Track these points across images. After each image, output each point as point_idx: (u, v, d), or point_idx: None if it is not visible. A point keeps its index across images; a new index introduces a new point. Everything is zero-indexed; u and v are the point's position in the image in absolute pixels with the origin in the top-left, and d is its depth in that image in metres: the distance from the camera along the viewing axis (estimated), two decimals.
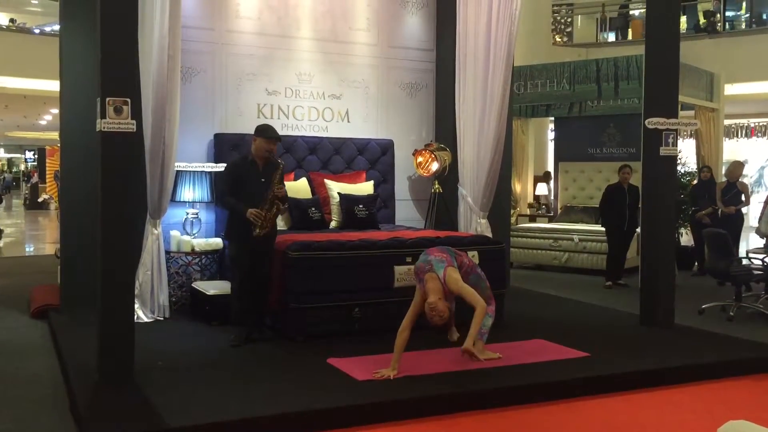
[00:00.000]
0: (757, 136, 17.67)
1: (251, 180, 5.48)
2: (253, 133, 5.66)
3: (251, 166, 5.57)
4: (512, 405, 4.41)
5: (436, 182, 7.97)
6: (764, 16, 15.37)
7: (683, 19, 14.45)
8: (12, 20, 16.21)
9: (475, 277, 5.02)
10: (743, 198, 9.44)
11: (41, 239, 14.89)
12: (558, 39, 16.35)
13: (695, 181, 11.07)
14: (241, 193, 5.48)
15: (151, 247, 6.24)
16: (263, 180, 5.48)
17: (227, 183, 5.63)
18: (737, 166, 9.55)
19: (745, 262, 7.75)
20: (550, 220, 12.34)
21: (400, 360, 4.67)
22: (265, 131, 5.59)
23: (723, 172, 10.80)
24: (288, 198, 5.78)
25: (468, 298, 4.71)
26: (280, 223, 6.90)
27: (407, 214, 8.23)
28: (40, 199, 25.54)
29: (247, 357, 5.19)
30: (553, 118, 13.38)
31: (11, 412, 4.32)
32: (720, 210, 9.49)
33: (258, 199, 5.41)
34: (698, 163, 10.95)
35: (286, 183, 6.76)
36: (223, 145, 7.12)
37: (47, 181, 23.52)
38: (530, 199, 13.36)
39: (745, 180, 9.98)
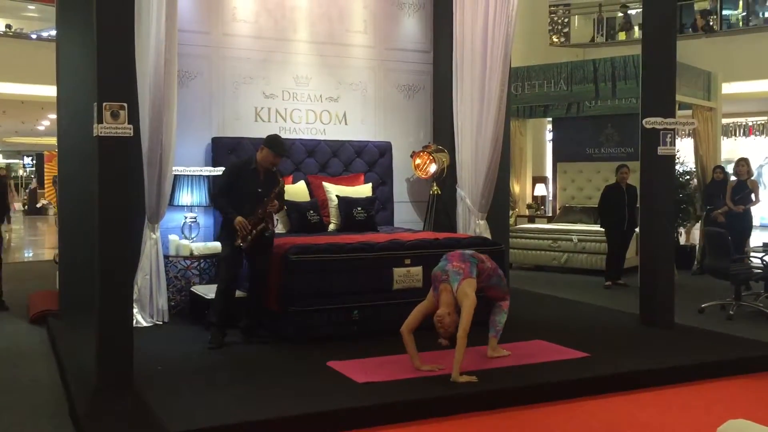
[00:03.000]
0: (756, 135, 17.67)
1: (249, 186, 5.46)
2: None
3: (252, 173, 5.54)
4: (513, 406, 4.40)
5: (435, 184, 7.96)
6: (761, 15, 15.39)
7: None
8: (8, 26, 16.18)
9: (497, 279, 5.09)
10: (753, 197, 9.43)
11: (40, 245, 14.88)
12: (555, 39, 16.36)
13: (694, 181, 11.09)
14: (235, 197, 5.47)
15: (150, 251, 6.23)
16: (260, 190, 5.46)
17: (224, 183, 5.63)
18: (739, 164, 9.58)
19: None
20: (549, 220, 12.34)
21: (417, 355, 4.76)
22: (275, 145, 5.55)
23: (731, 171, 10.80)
24: (281, 207, 5.75)
25: (463, 315, 4.59)
26: (279, 226, 6.91)
27: (406, 216, 8.23)
28: (38, 205, 25.53)
29: (247, 360, 5.18)
30: (551, 119, 13.38)
31: (11, 417, 4.31)
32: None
33: (250, 206, 5.40)
34: (696, 163, 10.96)
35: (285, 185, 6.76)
36: (221, 149, 7.11)
37: (45, 186, 23.50)
38: (529, 200, 13.36)
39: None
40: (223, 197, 5.55)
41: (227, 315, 5.56)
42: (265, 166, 5.51)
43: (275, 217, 6.60)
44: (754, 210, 9.69)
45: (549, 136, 14.16)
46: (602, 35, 16.24)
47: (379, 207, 7.79)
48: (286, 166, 7.37)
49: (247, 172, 5.55)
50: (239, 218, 5.35)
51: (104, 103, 4.39)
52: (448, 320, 4.59)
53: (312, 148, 7.66)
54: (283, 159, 7.22)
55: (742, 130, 17.66)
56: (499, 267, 5.19)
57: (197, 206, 6.99)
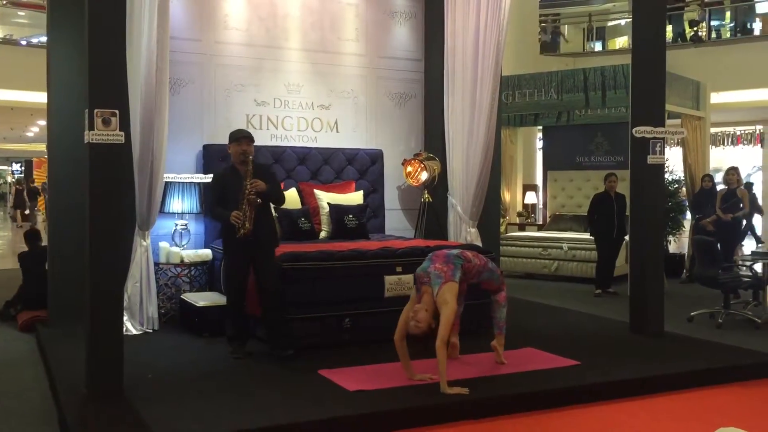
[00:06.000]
0: (743, 144, 17.83)
1: (235, 186, 5.44)
2: None
3: (233, 173, 5.54)
4: (503, 414, 4.41)
5: (426, 192, 7.98)
6: (748, 26, 15.54)
7: (669, 28, 14.58)
8: None
9: (488, 273, 5.07)
10: (742, 205, 9.48)
11: None
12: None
13: (683, 189, 11.16)
14: (228, 201, 5.46)
15: (140, 258, 6.21)
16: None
17: (213, 194, 5.65)
18: (729, 172, 9.65)
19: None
20: (540, 228, 12.38)
21: (410, 365, 4.74)
22: (232, 135, 5.60)
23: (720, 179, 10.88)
24: (269, 190, 5.47)
25: (441, 324, 4.57)
26: None
27: (397, 223, 8.23)
28: (27, 212, 25.35)
29: (238, 369, 5.16)
30: (541, 127, 13.44)
31: None
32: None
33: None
34: (685, 171, 11.04)
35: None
36: (212, 156, 7.10)
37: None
38: (519, 208, 13.40)
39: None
40: (218, 207, 5.54)
41: (239, 325, 5.54)
42: (241, 160, 5.49)
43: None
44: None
45: (539, 144, 14.22)
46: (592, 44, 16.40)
47: (371, 214, 7.80)
48: (278, 173, 7.36)
49: (230, 174, 5.57)
50: (233, 212, 5.34)
51: (95, 110, 4.39)
52: (422, 315, 4.60)
53: (303, 155, 7.66)
54: (269, 156, 7.24)
55: (730, 139, 17.83)
56: (490, 261, 5.18)
57: (188, 213, 6.97)
